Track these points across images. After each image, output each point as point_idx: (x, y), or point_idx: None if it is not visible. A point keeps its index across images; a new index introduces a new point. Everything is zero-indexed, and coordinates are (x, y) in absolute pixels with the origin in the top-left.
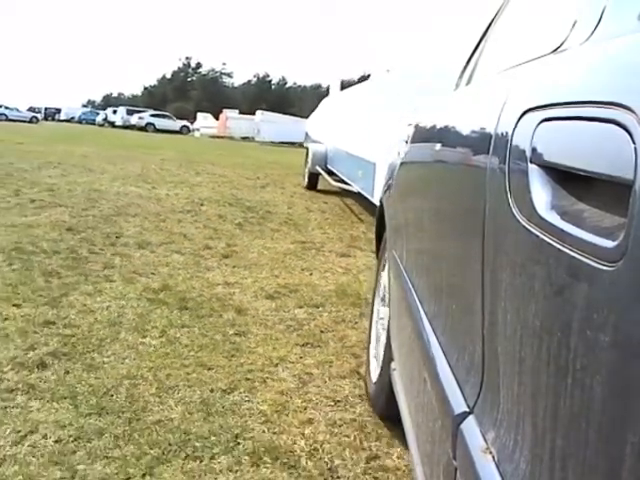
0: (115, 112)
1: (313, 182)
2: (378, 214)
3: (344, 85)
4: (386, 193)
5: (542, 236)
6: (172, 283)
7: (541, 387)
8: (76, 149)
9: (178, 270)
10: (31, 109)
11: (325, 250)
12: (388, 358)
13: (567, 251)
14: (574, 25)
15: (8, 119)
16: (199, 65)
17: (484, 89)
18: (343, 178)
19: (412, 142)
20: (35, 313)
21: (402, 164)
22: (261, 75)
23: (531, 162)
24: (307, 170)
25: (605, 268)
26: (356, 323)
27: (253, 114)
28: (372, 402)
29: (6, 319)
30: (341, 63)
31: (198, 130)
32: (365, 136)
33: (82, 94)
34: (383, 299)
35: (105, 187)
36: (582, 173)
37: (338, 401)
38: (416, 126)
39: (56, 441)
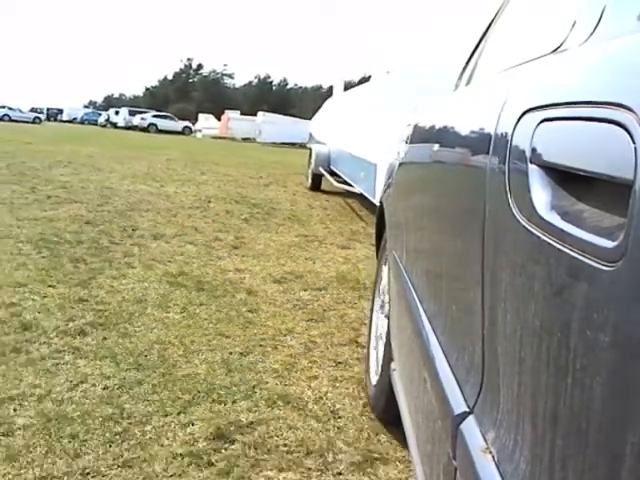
0: (117, 113)
1: (316, 183)
2: (378, 214)
3: (347, 86)
4: (386, 193)
5: (542, 236)
6: (188, 269)
7: (541, 387)
8: (82, 149)
9: (192, 258)
10: (33, 110)
11: (327, 243)
12: (387, 358)
13: (567, 251)
14: (574, 25)
15: (11, 120)
16: (200, 66)
17: (484, 89)
18: (346, 179)
19: (412, 142)
20: (69, 292)
21: (402, 164)
22: (262, 76)
23: (531, 162)
24: (310, 171)
25: (605, 268)
26: (355, 304)
27: (254, 115)
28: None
29: (45, 297)
30: (342, 64)
31: (200, 131)
32: (366, 137)
33: (83, 95)
34: (382, 302)
35: (116, 185)
36: (582, 173)
37: (339, 363)
38: (416, 126)
39: (104, 388)
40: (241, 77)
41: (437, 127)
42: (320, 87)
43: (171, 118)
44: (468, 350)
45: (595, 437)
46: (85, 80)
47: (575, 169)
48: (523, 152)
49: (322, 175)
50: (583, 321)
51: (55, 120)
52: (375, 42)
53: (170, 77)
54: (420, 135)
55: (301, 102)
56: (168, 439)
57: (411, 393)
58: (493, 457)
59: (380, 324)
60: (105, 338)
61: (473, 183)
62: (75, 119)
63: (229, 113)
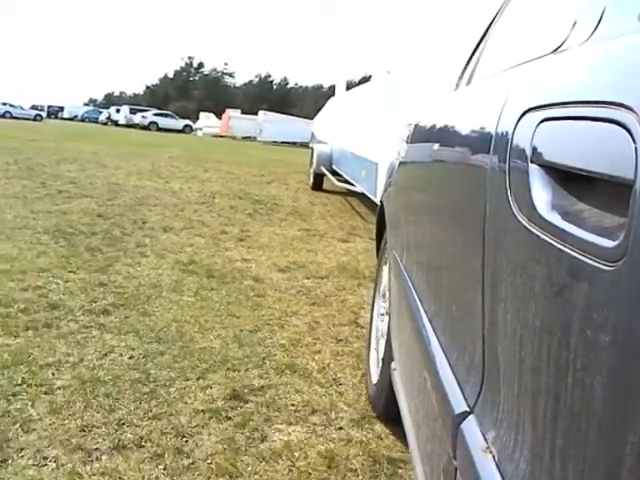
0: (118, 111)
1: (318, 182)
2: (378, 213)
3: (348, 86)
4: (386, 192)
5: (542, 236)
6: (198, 259)
7: (541, 387)
8: (86, 146)
9: (201, 249)
10: (34, 107)
11: (328, 236)
12: (388, 358)
13: (567, 251)
14: (574, 25)
15: (12, 117)
16: (201, 65)
17: (484, 89)
18: (347, 179)
19: (412, 142)
20: (89, 277)
21: (402, 164)
22: (263, 75)
23: (531, 162)
24: (312, 171)
25: (605, 268)
26: (355, 291)
27: (255, 114)
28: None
29: (67, 281)
30: (342, 63)
31: (201, 129)
32: (367, 136)
33: (84, 92)
34: (383, 298)
35: (122, 181)
36: (582, 173)
37: (340, 340)
38: (416, 126)
39: (130, 357)
40: (242, 76)
41: (438, 127)
42: (321, 86)
43: (172, 116)
44: (468, 350)
45: (595, 437)
46: (85, 78)
47: (575, 169)
48: (523, 152)
49: (324, 175)
50: (583, 321)
51: (56, 118)
52: (375, 42)
53: (171, 75)
54: (421, 135)
55: (302, 101)
56: (190, 398)
57: (411, 393)
58: (493, 457)
59: (380, 325)
60: (127, 317)
61: (474, 183)
62: (76, 117)
63: (230, 112)
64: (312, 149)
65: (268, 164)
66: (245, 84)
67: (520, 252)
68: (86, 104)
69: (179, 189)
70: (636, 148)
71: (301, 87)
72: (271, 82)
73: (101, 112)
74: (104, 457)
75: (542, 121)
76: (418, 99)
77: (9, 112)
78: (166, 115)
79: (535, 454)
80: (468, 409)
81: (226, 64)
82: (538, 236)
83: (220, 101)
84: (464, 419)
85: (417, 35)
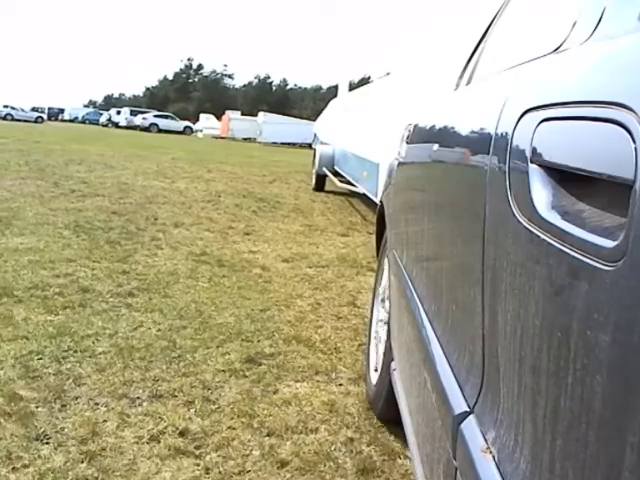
0: (119, 113)
1: (321, 184)
2: (378, 214)
3: (350, 86)
4: (386, 192)
5: (542, 236)
6: (209, 250)
7: (541, 387)
8: (90, 148)
9: (211, 242)
10: (34, 109)
11: (328, 231)
12: (388, 358)
13: (567, 251)
14: (574, 25)
15: (14, 119)
16: (201, 66)
17: (484, 89)
18: (349, 179)
19: (412, 142)
20: (112, 266)
21: (403, 164)
22: (262, 76)
23: (531, 162)
24: (315, 172)
25: (605, 268)
26: (353, 278)
27: (254, 115)
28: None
29: (93, 269)
30: (344, 64)
31: (201, 131)
32: (368, 137)
33: (83, 94)
34: (383, 300)
35: (130, 181)
36: (582, 173)
37: (340, 317)
38: (416, 126)
39: (157, 330)
40: (241, 77)
41: (437, 127)
42: (320, 87)
43: (172, 118)
44: (468, 350)
45: (595, 437)
46: (85, 80)
47: (575, 169)
48: (523, 152)
49: (326, 176)
50: (583, 321)
51: (56, 119)
52: (375, 42)
53: (170, 77)
54: (420, 135)
55: (301, 102)
56: (212, 361)
57: (411, 393)
58: (493, 457)
59: (380, 327)
60: (150, 298)
61: (473, 183)
62: (76, 119)
63: (230, 113)
64: (314, 150)
65: (269, 164)
66: (244, 85)
67: (520, 252)
68: (86, 106)
69: (185, 188)
70: (636, 148)
71: (300, 88)
72: (270, 83)
73: (101, 114)
74: (145, 403)
75: (542, 121)
76: (418, 99)
77: (10, 114)
78: (166, 117)
79: (535, 454)
80: (468, 409)
81: (225, 65)
82: (538, 236)
83: (219, 103)
84: (464, 419)
85: (417, 35)
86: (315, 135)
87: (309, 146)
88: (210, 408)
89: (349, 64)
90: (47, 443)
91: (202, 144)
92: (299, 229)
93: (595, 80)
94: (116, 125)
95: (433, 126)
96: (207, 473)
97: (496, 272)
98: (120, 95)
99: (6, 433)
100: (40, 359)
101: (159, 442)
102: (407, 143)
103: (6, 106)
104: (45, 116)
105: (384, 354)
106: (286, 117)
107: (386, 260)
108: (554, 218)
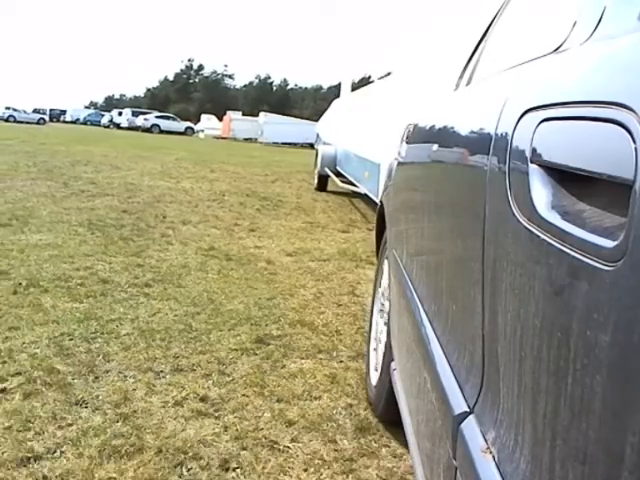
0: (120, 114)
1: (323, 184)
2: (378, 213)
3: (352, 86)
4: (386, 192)
5: (542, 236)
6: (216, 246)
7: (541, 387)
8: (94, 149)
9: (218, 238)
10: (36, 111)
11: (329, 228)
12: (388, 358)
13: (567, 251)
14: (574, 25)
15: (16, 121)
16: (201, 67)
17: (484, 89)
18: (351, 180)
19: (412, 142)
20: (128, 260)
21: (403, 164)
22: (263, 76)
23: (531, 162)
24: (317, 172)
25: (605, 268)
26: (353, 270)
27: (255, 116)
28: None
29: (110, 263)
30: (347, 63)
31: (202, 131)
32: (369, 137)
33: (84, 95)
34: (382, 301)
35: (137, 181)
36: (582, 173)
37: (340, 304)
38: (416, 126)
39: (174, 315)
40: (242, 77)
41: (437, 127)
42: (320, 87)
43: (174, 119)
44: (468, 350)
45: (595, 437)
46: (86, 81)
47: (575, 169)
48: (523, 152)
49: (328, 176)
50: (583, 321)
51: (58, 121)
52: (375, 42)
53: (171, 78)
54: (420, 135)
55: (302, 102)
56: (225, 342)
57: (411, 393)
58: (493, 457)
59: (380, 326)
60: (165, 288)
61: (473, 183)
62: (78, 120)
63: (231, 114)
64: (316, 150)
65: (271, 164)
66: (245, 86)
67: (520, 252)
68: (87, 107)
69: (190, 188)
70: (636, 148)
71: (301, 88)
72: (271, 83)
73: (103, 115)
74: (168, 376)
75: (542, 121)
76: (418, 100)
77: (13, 116)
78: (168, 117)
79: (535, 454)
80: (468, 409)
81: (226, 66)
82: (538, 236)
83: (220, 103)
84: (464, 419)
85: (417, 35)
86: (318, 135)
87: (310, 146)
88: (225, 380)
89: (350, 64)
90: (86, 407)
91: (204, 144)
92: (301, 226)
93: (595, 80)
94: (117, 126)
95: (433, 126)
96: (226, 430)
97: (496, 272)
98: (121, 96)
99: (49, 399)
100: (71, 339)
101: (183, 406)
102: (407, 143)
103: (8, 108)
104: (47, 118)
105: (384, 354)
106: (287, 117)
107: (386, 260)
108: (554, 218)
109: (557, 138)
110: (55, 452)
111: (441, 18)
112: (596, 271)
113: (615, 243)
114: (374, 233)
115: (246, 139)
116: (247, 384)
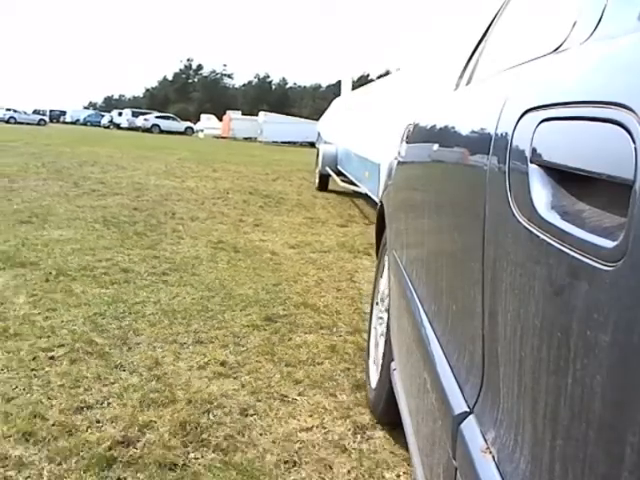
0: (120, 114)
1: (324, 183)
2: (378, 213)
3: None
4: (386, 192)
5: (542, 236)
6: (224, 239)
7: (541, 387)
8: (98, 150)
9: (225, 233)
10: (36, 112)
11: (329, 223)
12: (388, 359)
13: (567, 251)
14: (574, 25)
15: (17, 122)
16: (200, 67)
17: (484, 89)
18: (351, 179)
19: (412, 142)
20: (144, 253)
21: (402, 164)
22: (262, 76)
23: (531, 162)
24: (318, 171)
25: (605, 268)
26: (351, 260)
27: (254, 115)
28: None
29: (128, 255)
30: (342, 63)
31: (202, 131)
32: (370, 137)
33: (83, 96)
34: (382, 300)
35: (144, 180)
36: (582, 173)
37: (339, 289)
38: (416, 126)
39: (192, 299)
40: (241, 77)
41: (437, 127)
42: (319, 86)
43: (174, 119)
44: (468, 350)
45: (595, 437)
46: (85, 81)
47: (575, 169)
48: (523, 152)
49: (329, 175)
50: (583, 321)
51: (58, 122)
52: (375, 42)
53: (170, 78)
54: (420, 135)
55: (300, 101)
56: (238, 320)
57: (411, 393)
58: (493, 457)
59: (380, 328)
60: (181, 276)
61: (473, 183)
62: (78, 120)
63: (231, 113)
64: (317, 149)
65: (271, 163)
66: (244, 85)
67: (520, 252)
68: (86, 107)
69: (195, 187)
70: (636, 148)
71: (300, 87)
72: (270, 83)
73: (103, 115)
74: (191, 347)
75: (542, 121)
76: (419, 99)
77: (13, 117)
78: (168, 117)
79: (535, 454)
80: (468, 409)
81: (225, 65)
82: (538, 236)
83: (219, 102)
84: (464, 419)
85: (417, 35)
86: (319, 134)
87: (310, 145)
88: (240, 349)
89: (350, 63)
90: (124, 370)
91: (204, 144)
92: (302, 221)
93: (595, 80)
94: (118, 127)
95: (433, 126)
96: (243, 387)
97: (496, 272)
98: (120, 96)
99: (92, 364)
100: (103, 318)
101: (205, 369)
102: (407, 143)
103: (9, 109)
104: (47, 118)
105: (384, 355)
106: (286, 116)
107: (386, 260)
108: (554, 218)
109: (557, 138)
110: (103, 403)
111: (441, 18)
112: (596, 271)
113: (615, 243)
114: (374, 233)
115: (246, 138)
116: (259, 353)
